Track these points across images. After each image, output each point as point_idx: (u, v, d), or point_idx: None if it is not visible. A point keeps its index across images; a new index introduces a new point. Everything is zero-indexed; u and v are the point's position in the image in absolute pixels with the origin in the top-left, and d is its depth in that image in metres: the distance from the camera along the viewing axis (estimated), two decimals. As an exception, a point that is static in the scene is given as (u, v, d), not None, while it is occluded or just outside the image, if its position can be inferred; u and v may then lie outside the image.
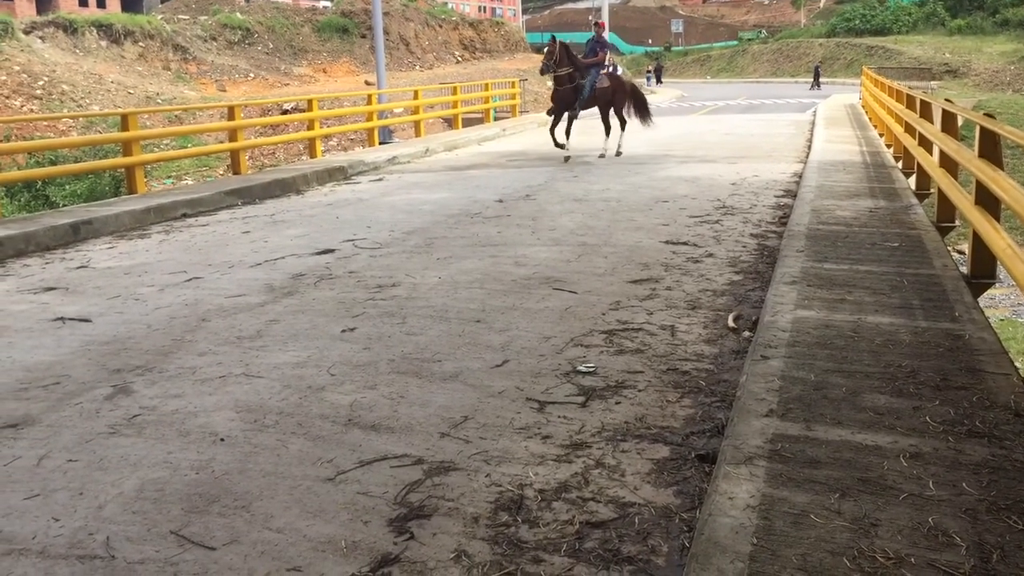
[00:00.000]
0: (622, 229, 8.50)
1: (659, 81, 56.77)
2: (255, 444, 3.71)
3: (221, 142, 17.21)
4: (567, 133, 14.58)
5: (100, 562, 2.80)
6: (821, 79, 46.36)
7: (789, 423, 3.41)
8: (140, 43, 37.32)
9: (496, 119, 24.34)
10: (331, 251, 7.89)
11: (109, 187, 18.08)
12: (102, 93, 30.38)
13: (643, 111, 15.49)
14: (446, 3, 70.95)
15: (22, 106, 26.73)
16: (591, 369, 4.55)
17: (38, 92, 28.05)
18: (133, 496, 3.25)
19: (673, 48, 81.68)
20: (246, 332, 5.43)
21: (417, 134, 19.92)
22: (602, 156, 14.91)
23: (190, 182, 20.96)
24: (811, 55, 59.90)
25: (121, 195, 14.19)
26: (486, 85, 24.85)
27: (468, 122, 23.21)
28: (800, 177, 11.41)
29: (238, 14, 44.64)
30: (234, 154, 13.79)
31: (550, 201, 10.44)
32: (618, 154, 15.00)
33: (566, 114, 14.68)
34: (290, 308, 5.99)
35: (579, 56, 15.09)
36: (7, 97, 26.96)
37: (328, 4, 66.05)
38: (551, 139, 14.69)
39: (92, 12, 49.52)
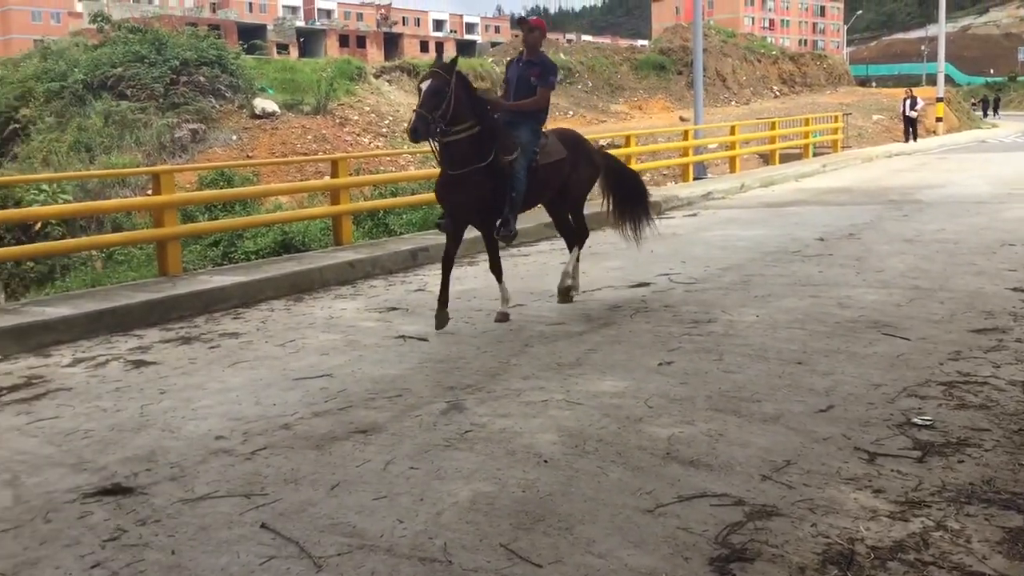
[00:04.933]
0: (961, 273, 7.82)
1: (995, 112, 51.88)
2: (576, 468, 3.83)
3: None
4: (494, 272, 6.90)
5: (439, 566, 3.01)
6: None
7: None
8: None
9: (815, 154, 23.41)
10: (646, 284, 7.98)
11: (440, 217, 19.53)
12: (436, 131, 32.97)
13: (635, 206, 7.71)
14: (765, 38, 69.63)
15: (370, 143, 29.65)
16: (928, 422, 4.22)
17: (383, 130, 30.99)
18: (467, 507, 3.47)
19: (1020, 78, 74.18)
20: (566, 359, 5.63)
21: (732, 170, 19.66)
22: (565, 292, 7.29)
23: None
24: None
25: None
26: (806, 120, 24.01)
27: (785, 158, 22.52)
28: None
29: (562, 55, 46.65)
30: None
31: (877, 241, 9.85)
32: (565, 296, 7.26)
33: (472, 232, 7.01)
34: (608, 338, 6.13)
35: (496, 93, 7.88)
36: (358, 134, 30.05)
37: (646, 43, 67.23)
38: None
39: (431, 56, 53.99)
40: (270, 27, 77.10)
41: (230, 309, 7.79)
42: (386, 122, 31.88)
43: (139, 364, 6.02)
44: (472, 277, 8.78)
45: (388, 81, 36.71)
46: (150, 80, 27.03)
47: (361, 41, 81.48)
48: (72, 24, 64.36)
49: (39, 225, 19.58)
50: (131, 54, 27.90)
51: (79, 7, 73.65)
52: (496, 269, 6.83)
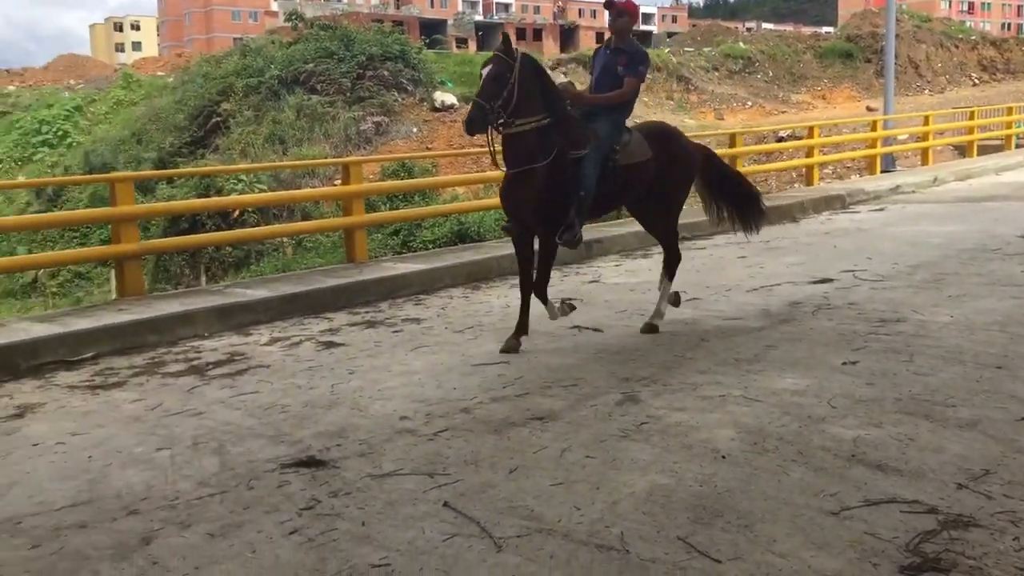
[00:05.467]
0: None
1: None
2: (755, 466, 3.75)
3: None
4: (539, 291, 6.06)
5: (616, 554, 3.04)
6: None
7: None
8: (648, 75, 39.84)
9: (1019, 146, 21.80)
10: (829, 280, 7.69)
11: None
12: (610, 123, 32.94)
13: (744, 211, 6.84)
14: (964, 22, 65.29)
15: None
16: None
17: (557, 122, 31.29)
18: (643, 498, 3.48)
19: None
20: (744, 355, 5.52)
21: (924, 162, 18.61)
22: (651, 326, 6.29)
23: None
24: None
25: (623, 218, 15.21)
26: (1009, 109, 22.37)
27: (984, 150, 21.07)
28: None
29: (741, 44, 45.49)
30: (732, 180, 14.08)
31: (1090, 239, 9.09)
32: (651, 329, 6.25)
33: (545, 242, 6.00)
34: (787, 335, 5.96)
35: (574, 85, 6.52)
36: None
37: (831, 30, 64.45)
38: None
39: (606, 49, 53.83)
40: (450, 22, 79.13)
41: (412, 295, 8.09)
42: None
43: (329, 345, 6.36)
44: (647, 270, 8.74)
45: (564, 73, 36.89)
46: (339, 75, 28.32)
47: (537, 34, 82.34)
48: (268, 22, 68.20)
49: (237, 213, 20.95)
50: (322, 50, 29.31)
51: (275, 6, 78.01)
52: (542, 286, 6.02)
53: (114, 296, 9.56)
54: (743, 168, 14.05)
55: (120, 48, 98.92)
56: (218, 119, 29.10)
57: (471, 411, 4.70)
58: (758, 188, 7.14)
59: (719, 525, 3.22)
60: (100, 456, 4.28)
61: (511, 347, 5.85)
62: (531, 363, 5.60)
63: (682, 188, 6.53)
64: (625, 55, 6.13)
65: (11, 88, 45.87)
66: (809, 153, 15.59)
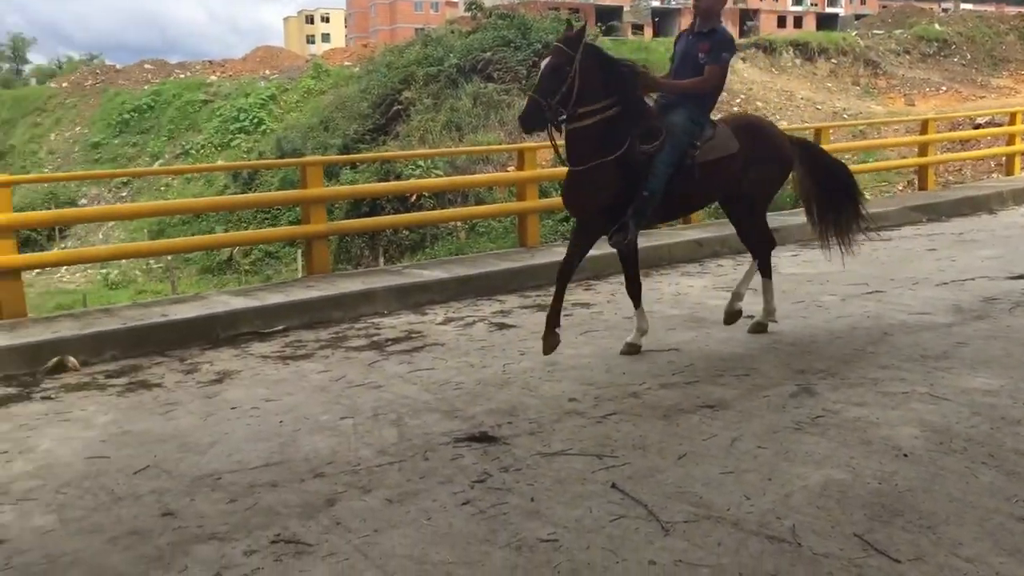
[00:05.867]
0: None
1: None
2: (940, 466, 3.58)
3: (903, 157, 16.74)
4: (631, 294, 5.75)
5: (787, 546, 2.98)
6: None
7: None
8: (832, 59, 38.10)
9: None
10: (1030, 277, 7.18)
11: (790, 198, 18.89)
12: (791, 109, 31.80)
13: (840, 211, 6.08)
14: None
15: (720, 122, 29.36)
16: None
17: (735, 108, 30.46)
18: (817, 492, 3.39)
19: None
20: (931, 351, 5.24)
21: None
22: (758, 327, 5.97)
23: (868, 197, 20.83)
24: None
25: (798, 207, 14.69)
26: None
27: None
28: None
29: (936, 25, 42.86)
30: (921, 169, 13.33)
31: None
32: (732, 318, 5.98)
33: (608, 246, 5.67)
34: (980, 332, 5.62)
35: (649, 71, 5.73)
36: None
37: (1040, 7, 59.66)
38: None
39: (789, 32, 52.05)
40: (626, 8, 78.44)
41: (582, 281, 8.13)
42: (738, 100, 31.32)
43: (501, 326, 6.50)
44: (825, 261, 8.40)
45: (743, 59, 35.92)
46: (515, 63, 28.69)
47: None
48: (449, 12, 69.85)
49: (414, 197, 21.65)
50: (499, 39, 29.77)
51: (454, -4, 79.81)
52: (633, 290, 5.69)
53: (300, 274, 10.10)
54: (934, 156, 13.29)
55: (311, 40, 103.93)
56: (399, 107, 30.09)
57: (640, 396, 4.70)
58: (863, 193, 6.35)
59: (899, 524, 3.10)
60: (290, 422, 4.57)
61: (550, 343, 5.32)
62: (702, 351, 5.54)
63: (769, 185, 5.91)
64: (708, 40, 5.50)
65: (213, 78, 49.11)
66: (1010, 141, 14.52)
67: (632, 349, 5.57)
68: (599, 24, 42.18)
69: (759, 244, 5.99)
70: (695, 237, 9.40)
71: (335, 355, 5.96)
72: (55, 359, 5.80)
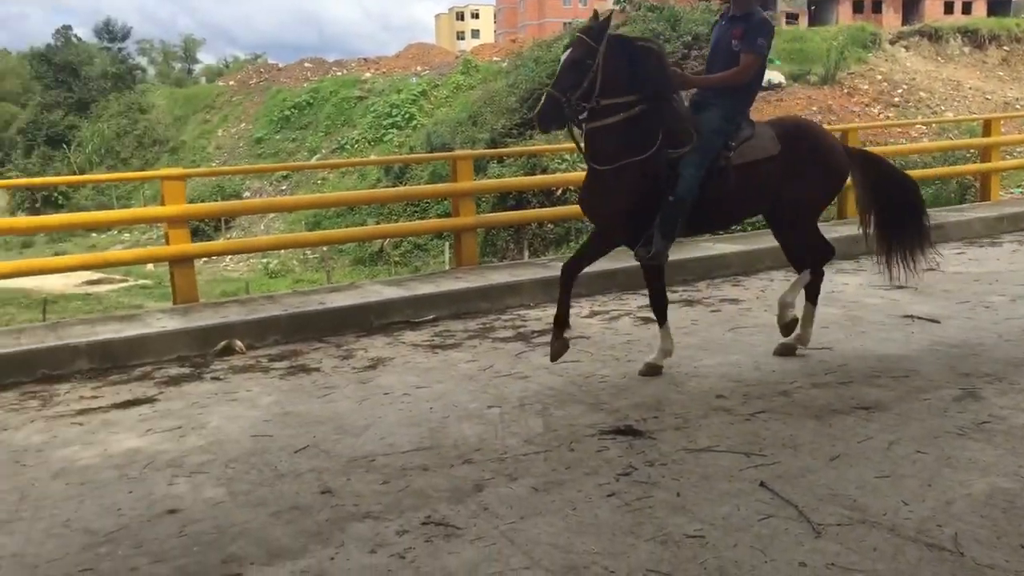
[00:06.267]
0: None
1: None
2: (1121, 481, 3.34)
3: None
4: (655, 311, 5.31)
5: (948, 555, 2.86)
6: None
7: None
8: (1004, 47, 35.83)
9: None
10: None
11: (955, 193, 17.93)
12: (958, 100, 30.15)
13: (903, 228, 5.35)
14: None
15: (879, 113, 28.06)
16: None
17: (896, 100, 29.13)
18: (982, 500, 3.23)
19: None
20: (1112, 358, 4.89)
21: None
22: (785, 349, 5.35)
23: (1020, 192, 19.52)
24: None
25: (967, 202, 13.92)
26: None
27: None
28: None
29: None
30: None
31: None
32: (787, 329, 5.28)
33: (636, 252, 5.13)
34: None
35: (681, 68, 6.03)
36: (867, 105, 28.62)
37: None
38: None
39: (956, 19, 49.22)
40: (780, -3, 76.03)
41: (730, 276, 8.00)
42: (899, 91, 29.95)
43: (647, 321, 6.47)
44: (993, 259, 7.97)
45: (905, 47, 34.33)
46: (663, 55, 28.34)
47: (877, 6, 76.80)
48: (598, 6, 69.71)
49: (560, 191, 21.73)
50: (648, 32, 29.53)
51: (603, -10, 79.50)
52: (658, 305, 5.19)
53: (448, 266, 10.34)
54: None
55: (460, 36, 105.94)
56: (545, 101, 30.32)
57: (790, 395, 4.59)
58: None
59: (1074, 539, 2.92)
60: (439, 408, 4.71)
61: (558, 348, 5.09)
62: (856, 351, 5.35)
63: (815, 197, 5.26)
64: (741, 25, 4.94)
65: (367, 75, 50.81)
66: None
67: (652, 370, 5.06)
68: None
69: (801, 263, 5.32)
70: (851, 234, 9.04)
71: (482, 345, 6.08)
72: (224, 342, 6.17)
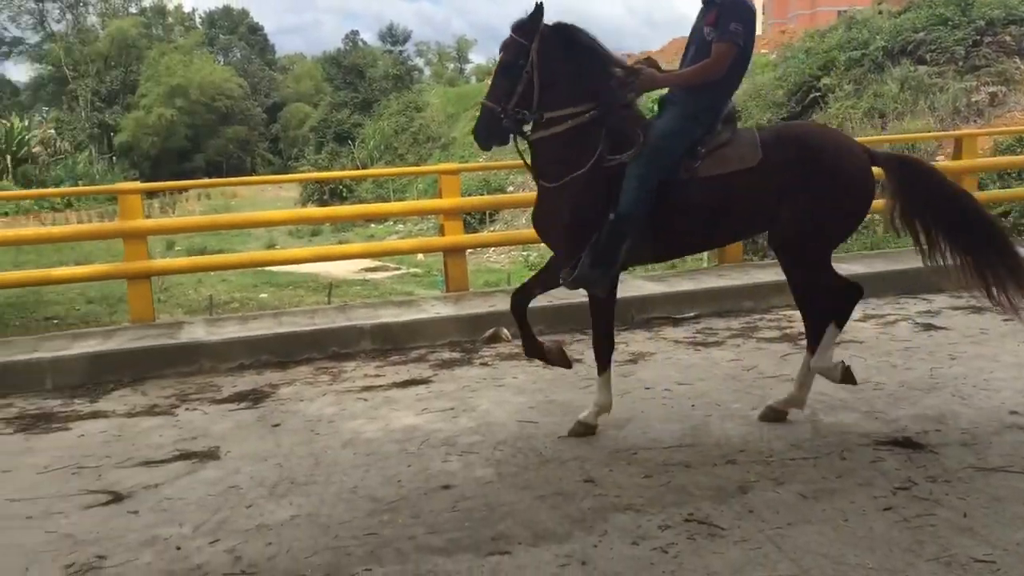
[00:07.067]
0: None
1: None
2: None
3: None
4: (596, 353, 4.44)
5: None
6: None
7: None
8: None
9: None
10: None
11: None
12: None
13: (981, 253, 3.91)
14: None
15: None
16: None
17: None
18: None
19: None
20: None
21: None
22: (772, 413, 4.34)
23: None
24: None
25: None
26: None
27: None
28: None
29: None
30: None
31: None
32: (842, 374, 4.18)
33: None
34: None
35: (656, 63, 4.29)
36: None
37: None
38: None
39: None
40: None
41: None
42: None
43: (928, 327, 6.05)
44: None
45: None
46: (951, 43, 26.21)
47: None
48: (874, -8, 65.71)
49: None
50: (934, 17, 27.38)
51: (882, -25, 74.68)
52: (599, 348, 4.39)
53: (708, 263, 10.16)
54: None
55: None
56: (816, 94, 28.89)
57: (1101, 417, 4.12)
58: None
59: None
60: (701, 406, 4.66)
61: (557, 357, 4.49)
62: None
63: (824, 225, 4.08)
64: (715, 9, 4.07)
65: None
66: None
67: (585, 429, 4.29)
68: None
69: (810, 308, 4.27)
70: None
71: (746, 345, 5.94)
72: (491, 330, 6.45)
